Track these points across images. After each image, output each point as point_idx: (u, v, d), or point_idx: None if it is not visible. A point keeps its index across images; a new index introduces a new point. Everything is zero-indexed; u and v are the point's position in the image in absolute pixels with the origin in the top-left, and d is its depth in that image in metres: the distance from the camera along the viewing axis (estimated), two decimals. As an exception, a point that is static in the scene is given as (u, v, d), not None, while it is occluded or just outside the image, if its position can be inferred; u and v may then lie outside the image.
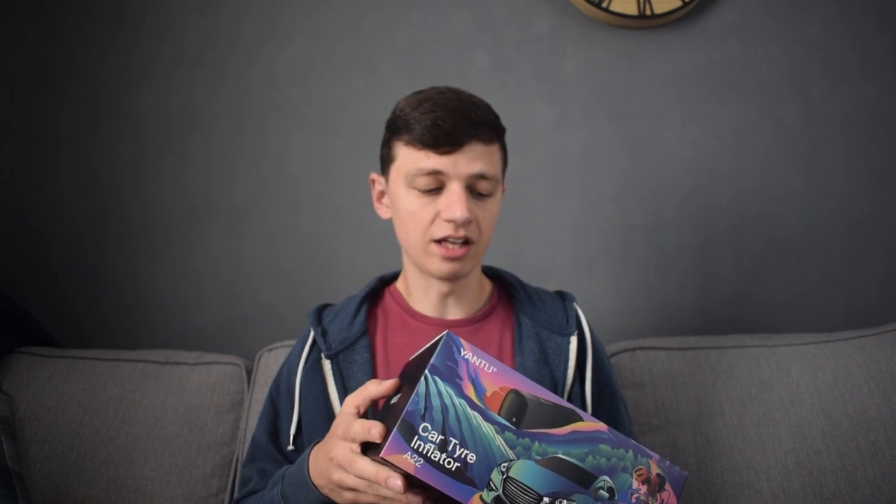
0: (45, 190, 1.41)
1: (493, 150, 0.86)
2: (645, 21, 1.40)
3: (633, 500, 0.58)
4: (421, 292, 0.93)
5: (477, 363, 0.57)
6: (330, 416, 0.86)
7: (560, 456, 0.56)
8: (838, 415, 1.09)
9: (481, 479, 0.55)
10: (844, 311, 1.39)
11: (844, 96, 1.42)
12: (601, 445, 0.58)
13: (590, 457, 0.57)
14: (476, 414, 0.56)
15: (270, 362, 1.18)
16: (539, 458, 0.56)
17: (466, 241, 0.84)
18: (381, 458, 0.55)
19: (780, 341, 1.19)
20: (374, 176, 0.93)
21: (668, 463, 0.59)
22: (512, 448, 0.56)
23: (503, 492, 0.55)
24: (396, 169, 0.86)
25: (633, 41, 1.43)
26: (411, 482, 0.58)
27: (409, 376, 0.62)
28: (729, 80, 1.43)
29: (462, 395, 0.56)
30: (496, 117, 0.87)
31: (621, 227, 1.42)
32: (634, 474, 0.58)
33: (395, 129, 0.85)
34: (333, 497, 0.69)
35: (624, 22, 1.41)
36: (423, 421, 0.55)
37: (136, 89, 1.43)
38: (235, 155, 1.42)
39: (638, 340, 1.21)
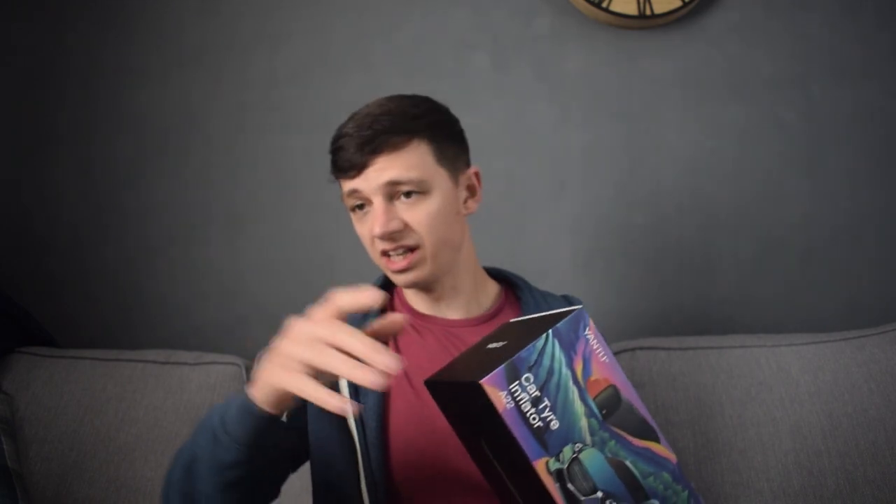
0: (44, 190, 1.41)
1: (410, 150, 0.84)
2: (645, 21, 1.40)
3: None
4: (413, 298, 0.94)
5: (594, 347, 0.59)
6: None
7: (627, 464, 0.57)
8: (838, 415, 1.09)
9: (554, 447, 0.56)
10: (844, 311, 1.39)
11: (845, 96, 1.42)
12: (664, 473, 0.59)
13: (651, 477, 0.58)
14: (575, 389, 0.57)
15: (270, 362, 1.18)
16: (610, 455, 0.57)
17: (409, 249, 0.85)
18: (479, 383, 0.56)
19: (780, 341, 1.19)
20: None
21: None
22: (591, 435, 0.57)
23: (567, 468, 0.56)
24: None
25: (633, 41, 1.43)
26: (459, 412, 0.60)
27: (520, 330, 0.63)
28: (729, 80, 1.43)
29: (570, 367, 0.57)
30: (410, 116, 0.86)
31: (621, 227, 1.41)
32: None
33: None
34: (265, 387, 0.65)
35: (624, 22, 1.41)
36: (529, 372, 0.56)
37: (135, 89, 1.43)
38: (235, 155, 1.42)
39: (638, 340, 1.21)
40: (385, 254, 0.86)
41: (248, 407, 0.66)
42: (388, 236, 0.83)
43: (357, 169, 0.84)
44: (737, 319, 1.39)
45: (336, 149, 0.87)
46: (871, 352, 1.14)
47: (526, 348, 0.57)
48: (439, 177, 0.86)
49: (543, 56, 1.44)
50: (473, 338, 0.90)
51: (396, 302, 0.96)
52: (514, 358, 0.56)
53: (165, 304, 1.40)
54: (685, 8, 1.39)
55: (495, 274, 1.00)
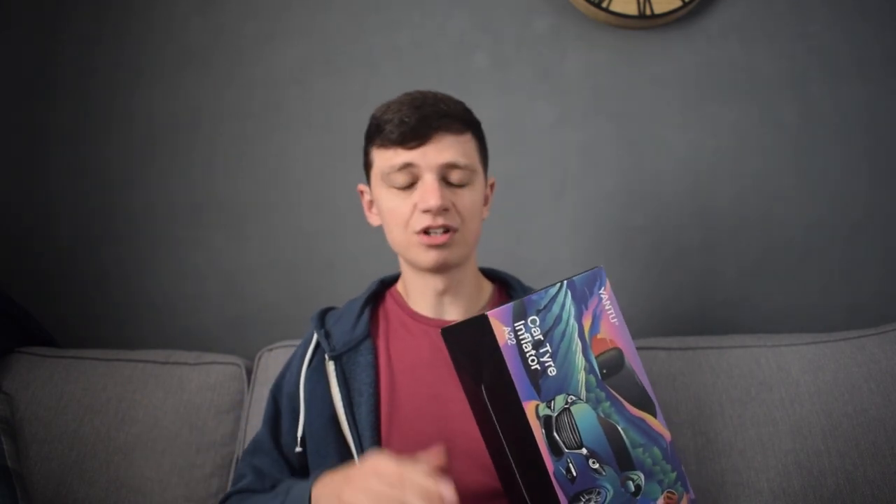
0: (44, 189, 1.41)
1: (465, 140, 0.88)
2: (645, 21, 1.40)
3: None
4: (418, 293, 0.93)
5: (606, 307, 0.59)
6: (332, 418, 0.86)
7: (619, 429, 0.57)
8: (838, 415, 1.09)
9: (547, 393, 0.56)
10: (844, 311, 1.39)
11: (844, 96, 1.42)
12: (655, 449, 0.58)
13: (641, 449, 0.57)
14: (579, 342, 0.57)
15: (270, 362, 1.18)
16: (602, 415, 0.57)
17: (447, 230, 0.86)
18: (485, 314, 0.56)
19: (780, 341, 1.19)
20: (361, 187, 0.97)
21: None
22: (587, 391, 0.57)
23: (556, 417, 0.56)
24: (375, 173, 0.89)
25: (633, 41, 1.43)
26: (462, 352, 0.61)
27: None
28: (729, 80, 1.43)
29: (579, 320, 0.58)
30: (466, 110, 0.90)
31: (621, 227, 1.41)
32: (666, 493, 0.58)
33: (370, 135, 0.90)
34: None
35: (624, 22, 1.41)
36: (537, 315, 0.57)
37: (135, 89, 1.43)
38: (235, 155, 1.42)
39: (638, 340, 1.21)
40: (424, 231, 0.85)
41: None
42: (441, 210, 0.84)
43: (419, 140, 0.84)
44: (737, 319, 1.39)
45: (388, 119, 0.85)
46: (871, 352, 1.14)
47: (538, 292, 0.58)
48: (479, 173, 0.90)
49: (543, 56, 1.44)
50: None
51: (392, 307, 0.96)
52: (524, 298, 0.57)
53: (165, 304, 1.40)
54: (685, 8, 1.39)
55: (488, 273, 1.01)
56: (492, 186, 0.97)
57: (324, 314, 0.98)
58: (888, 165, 1.41)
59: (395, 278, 1.01)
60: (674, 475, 0.58)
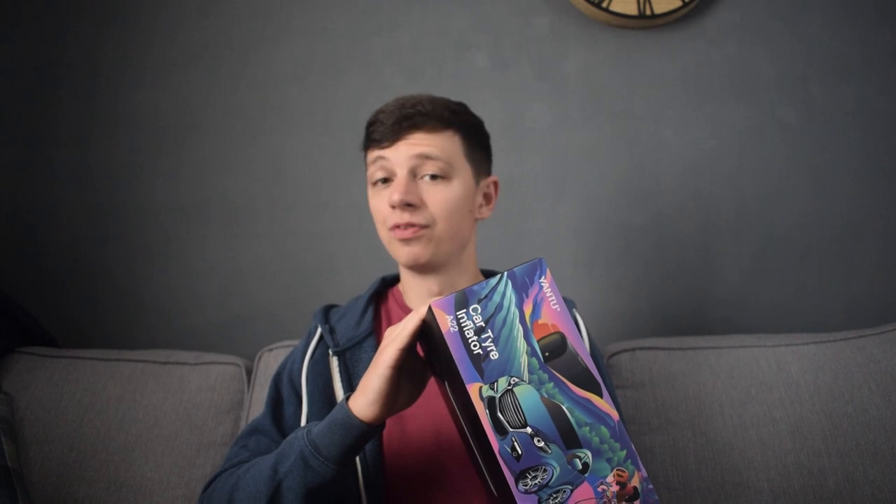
0: (44, 190, 1.41)
1: (444, 137, 0.89)
2: (645, 21, 1.40)
3: (599, 490, 0.59)
4: (414, 293, 0.95)
5: (548, 294, 0.61)
6: (332, 408, 0.87)
7: (563, 409, 0.59)
8: (838, 415, 1.09)
9: (490, 375, 0.59)
10: (844, 311, 1.39)
11: (844, 96, 1.42)
12: (603, 427, 0.59)
13: (587, 428, 0.59)
14: (520, 327, 0.60)
15: (270, 362, 1.18)
16: (546, 396, 0.59)
17: (421, 227, 0.87)
18: (430, 304, 0.61)
19: (780, 341, 1.19)
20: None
21: (650, 486, 0.60)
22: (530, 373, 0.59)
23: (499, 398, 0.59)
24: (367, 176, 0.93)
25: (633, 41, 1.43)
26: (427, 343, 0.66)
27: None
28: (729, 80, 1.43)
29: (520, 307, 0.61)
30: (449, 108, 0.91)
31: (621, 227, 1.42)
32: (615, 471, 0.59)
33: (363, 140, 0.94)
34: (374, 383, 0.69)
35: (624, 22, 1.41)
36: (478, 304, 0.60)
37: (134, 89, 1.43)
38: (235, 154, 1.42)
39: (638, 340, 1.21)
40: (396, 227, 0.88)
41: (348, 423, 0.70)
42: (404, 204, 0.86)
43: (390, 140, 0.88)
44: (737, 319, 1.39)
45: (373, 121, 0.90)
46: (871, 352, 1.14)
47: (479, 283, 0.61)
48: (464, 170, 0.90)
49: (543, 56, 1.44)
50: None
51: (393, 306, 0.97)
52: (466, 289, 0.61)
53: (165, 304, 1.40)
54: (685, 8, 1.39)
55: (488, 275, 1.01)
56: (495, 186, 0.97)
57: (327, 310, 0.99)
58: (888, 165, 1.41)
59: (396, 277, 1.02)
60: (623, 453, 0.59)
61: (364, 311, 0.95)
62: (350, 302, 0.99)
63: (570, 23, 1.44)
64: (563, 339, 0.61)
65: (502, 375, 0.59)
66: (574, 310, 0.97)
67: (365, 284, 1.01)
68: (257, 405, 1.14)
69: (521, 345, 0.60)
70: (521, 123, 1.42)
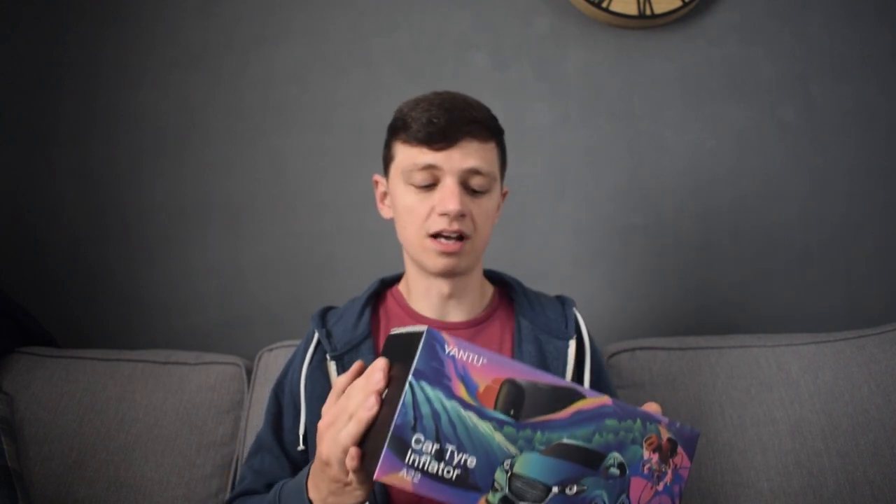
0: (44, 190, 1.41)
1: (489, 149, 0.87)
2: (645, 21, 1.40)
3: (646, 471, 0.56)
4: (422, 293, 0.93)
5: (465, 358, 0.53)
6: None
7: (565, 441, 0.54)
8: (838, 415, 1.09)
9: (485, 481, 0.52)
10: (844, 311, 1.39)
11: (844, 96, 1.42)
12: (607, 421, 0.55)
13: (597, 435, 0.54)
14: (471, 414, 0.52)
15: (270, 362, 1.18)
16: (543, 447, 0.53)
17: (461, 237, 0.86)
18: (374, 479, 0.52)
19: (780, 341, 1.19)
20: (377, 177, 0.96)
21: (678, 424, 0.56)
22: (513, 443, 0.53)
23: (509, 490, 0.52)
24: (396, 167, 0.88)
25: (633, 41, 1.43)
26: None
27: (396, 369, 0.58)
28: (729, 80, 1.43)
29: (452, 396, 0.52)
30: (493, 118, 0.89)
31: (621, 228, 1.42)
32: (645, 444, 0.56)
33: (395, 129, 0.89)
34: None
35: (624, 22, 1.41)
36: (415, 432, 0.51)
37: (134, 89, 1.43)
38: (235, 154, 1.42)
39: (638, 340, 1.21)
40: (436, 235, 0.85)
41: None
42: (459, 215, 0.84)
43: (446, 143, 0.83)
44: (737, 319, 1.39)
45: (418, 117, 0.84)
46: (871, 352, 1.15)
47: (398, 412, 0.52)
48: (497, 183, 0.90)
49: (543, 56, 1.44)
50: (470, 341, 0.91)
51: (393, 307, 0.96)
52: (391, 430, 0.51)
53: (165, 304, 1.40)
54: (685, 8, 1.39)
55: (490, 275, 1.01)
56: (504, 195, 0.97)
57: (324, 313, 0.98)
58: (888, 165, 1.41)
59: (395, 278, 1.01)
60: (638, 423, 0.56)
61: (361, 313, 0.94)
62: (347, 303, 0.99)
63: (570, 23, 1.44)
64: (513, 384, 0.54)
65: (494, 470, 0.52)
66: (574, 308, 0.97)
67: (365, 284, 1.01)
68: (257, 405, 1.14)
69: (485, 427, 0.53)
70: (521, 123, 1.42)
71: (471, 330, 0.93)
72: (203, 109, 1.43)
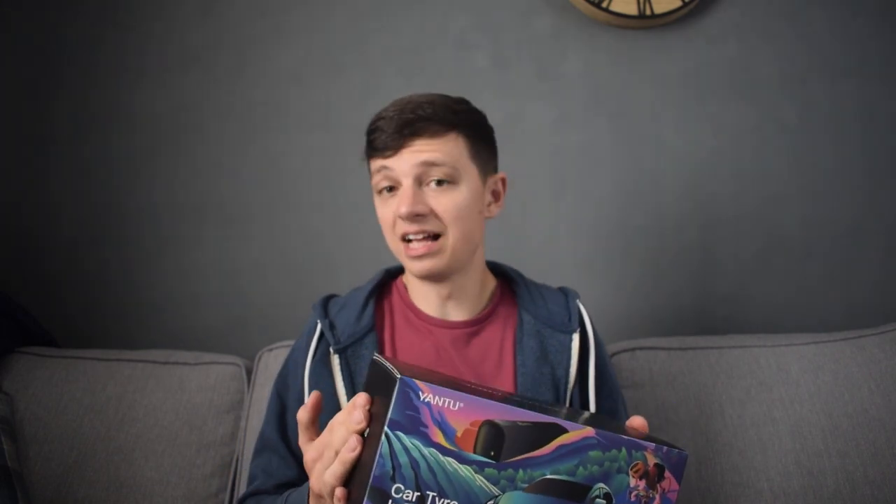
0: (44, 190, 1.41)
1: (448, 139, 0.86)
2: (645, 21, 1.40)
3: (633, 499, 0.55)
4: (422, 295, 0.93)
5: (441, 404, 0.52)
6: (337, 412, 0.86)
7: (548, 477, 0.53)
8: (838, 415, 1.09)
9: None
10: (844, 311, 1.39)
11: (844, 96, 1.42)
12: (591, 453, 0.55)
13: (580, 468, 0.54)
14: (450, 459, 0.52)
15: (270, 362, 1.18)
16: (526, 485, 0.53)
17: (434, 236, 0.85)
18: None
19: (780, 341, 1.19)
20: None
21: (665, 449, 0.56)
22: (495, 484, 0.53)
23: None
24: (372, 183, 0.91)
25: (633, 41, 1.43)
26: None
27: (376, 404, 0.58)
28: (729, 80, 1.43)
29: (430, 443, 0.52)
30: (451, 110, 0.87)
31: (621, 228, 1.41)
32: (631, 472, 0.55)
33: (366, 146, 0.91)
34: None
35: (624, 22, 1.41)
36: (395, 482, 0.51)
37: (134, 89, 1.43)
38: (235, 154, 1.42)
39: (638, 340, 1.21)
40: (405, 239, 0.86)
41: None
42: (413, 216, 0.83)
43: (393, 149, 0.85)
44: (737, 319, 1.39)
45: (374, 129, 0.87)
46: (871, 352, 1.15)
47: (376, 464, 0.52)
48: (470, 172, 0.88)
49: (543, 56, 1.44)
50: (472, 339, 0.91)
51: (396, 300, 0.96)
52: (370, 482, 0.51)
53: (165, 304, 1.40)
54: (685, 8, 1.39)
55: (493, 268, 1.01)
56: (503, 182, 0.95)
57: (326, 302, 0.96)
58: (888, 165, 1.41)
59: (401, 269, 1.00)
60: (623, 452, 0.55)
61: (365, 305, 0.92)
62: (350, 292, 0.97)
63: (570, 23, 1.44)
64: (491, 426, 0.53)
65: None
66: (578, 301, 0.96)
67: (372, 277, 1.00)
68: (257, 405, 1.14)
69: (466, 471, 0.52)
70: (522, 123, 1.42)
71: (472, 329, 0.92)
72: (202, 110, 1.43)
